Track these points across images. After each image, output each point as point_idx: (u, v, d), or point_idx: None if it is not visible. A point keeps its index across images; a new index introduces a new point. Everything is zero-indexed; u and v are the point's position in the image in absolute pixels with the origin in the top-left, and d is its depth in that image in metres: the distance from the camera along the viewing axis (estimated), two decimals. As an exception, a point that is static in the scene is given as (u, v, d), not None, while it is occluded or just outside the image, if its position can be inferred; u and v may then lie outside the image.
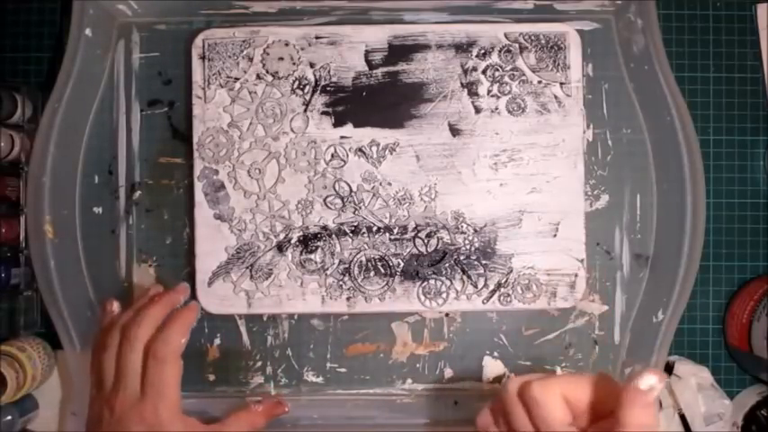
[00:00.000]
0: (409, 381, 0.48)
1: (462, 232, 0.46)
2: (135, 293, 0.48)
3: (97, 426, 0.39)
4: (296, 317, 0.48)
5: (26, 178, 0.45)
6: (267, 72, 0.46)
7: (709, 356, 0.49)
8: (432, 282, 0.45)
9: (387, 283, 0.45)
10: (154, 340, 0.39)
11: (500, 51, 0.46)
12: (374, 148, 0.46)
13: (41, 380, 0.47)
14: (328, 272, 0.45)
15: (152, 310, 0.40)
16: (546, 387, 0.31)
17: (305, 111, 0.46)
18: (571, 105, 0.46)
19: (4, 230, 0.45)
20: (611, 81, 0.48)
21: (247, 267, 0.45)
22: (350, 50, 0.46)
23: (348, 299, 0.45)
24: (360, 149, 0.46)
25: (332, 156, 0.46)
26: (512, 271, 0.46)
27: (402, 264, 0.45)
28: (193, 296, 0.46)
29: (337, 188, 0.46)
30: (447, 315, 0.48)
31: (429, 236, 0.46)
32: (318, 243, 0.46)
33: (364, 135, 0.46)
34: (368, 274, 0.46)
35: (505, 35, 0.46)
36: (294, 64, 0.46)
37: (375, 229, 0.46)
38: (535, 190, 0.46)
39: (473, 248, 0.46)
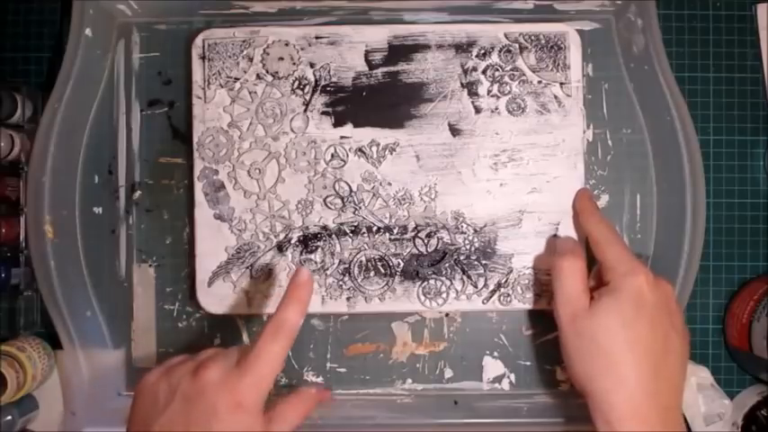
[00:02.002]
0: (409, 381, 0.48)
1: (462, 232, 0.46)
2: (135, 293, 0.48)
3: (160, 401, 0.34)
4: (296, 317, 0.48)
5: (26, 178, 0.45)
6: (267, 72, 0.46)
7: (709, 356, 0.49)
8: (432, 282, 0.45)
9: (387, 283, 0.45)
10: (273, 317, 0.35)
11: (500, 51, 0.46)
12: (374, 148, 0.46)
13: (41, 380, 0.47)
14: (328, 272, 0.45)
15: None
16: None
17: (305, 111, 0.46)
18: (571, 105, 0.46)
19: (4, 230, 0.45)
20: (611, 81, 0.48)
21: (247, 267, 0.45)
22: (350, 50, 0.46)
23: (348, 299, 0.45)
24: (360, 149, 0.46)
25: (332, 156, 0.46)
26: (512, 271, 0.46)
27: (402, 264, 0.45)
28: (193, 296, 0.46)
29: (337, 188, 0.46)
30: (447, 315, 0.48)
31: (429, 236, 0.46)
32: (318, 243, 0.46)
33: (364, 135, 0.46)
34: (368, 274, 0.46)
35: (505, 35, 0.46)
36: (294, 64, 0.46)
37: (375, 229, 0.46)
38: (535, 190, 0.46)
39: (473, 248, 0.46)
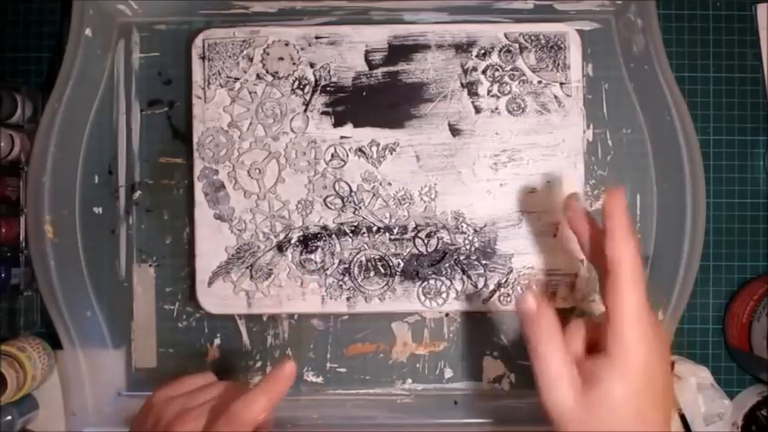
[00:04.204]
0: (409, 381, 0.48)
1: (462, 232, 0.46)
2: (134, 293, 0.48)
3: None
4: (296, 317, 0.48)
5: (26, 178, 0.45)
6: (267, 72, 0.46)
7: (709, 356, 0.49)
8: (432, 282, 0.45)
9: (387, 283, 0.45)
10: (236, 403, 0.34)
11: (500, 51, 0.46)
12: (374, 148, 0.46)
13: (41, 380, 0.47)
14: (328, 272, 0.45)
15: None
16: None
17: (305, 111, 0.46)
18: (571, 105, 0.46)
19: (4, 230, 0.45)
20: (611, 81, 0.48)
21: (247, 267, 0.45)
22: (350, 50, 0.46)
23: (348, 299, 0.45)
24: (360, 149, 0.46)
25: (332, 156, 0.46)
26: (512, 271, 0.46)
27: (402, 264, 0.45)
28: (193, 296, 0.46)
29: (337, 188, 0.46)
30: (447, 315, 0.48)
31: (429, 236, 0.46)
32: (318, 243, 0.46)
33: (364, 135, 0.46)
34: (368, 274, 0.46)
35: (505, 35, 0.46)
36: (294, 64, 0.46)
37: (375, 229, 0.46)
38: (535, 190, 0.46)
39: (473, 248, 0.46)
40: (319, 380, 0.48)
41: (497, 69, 0.46)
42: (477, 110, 0.46)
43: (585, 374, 0.33)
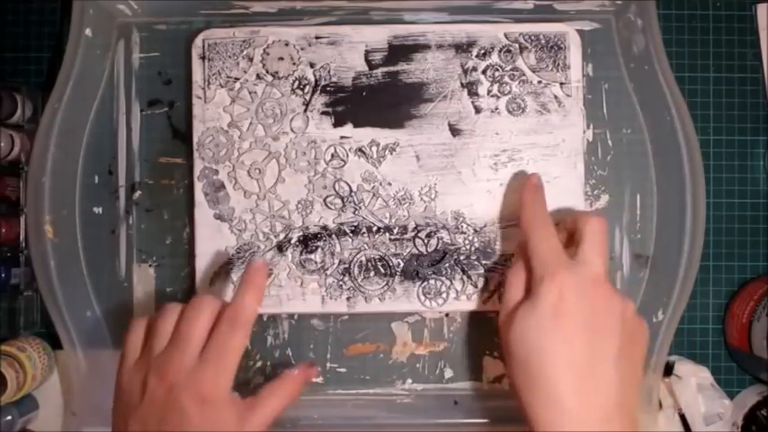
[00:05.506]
0: (409, 381, 0.48)
1: (462, 232, 0.46)
2: (135, 293, 0.48)
3: (136, 396, 0.36)
4: (296, 317, 0.48)
5: (26, 178, 0.45)
6: (267, 72, 0.46)
7: (709, 356, 0.49)
8: (432, 282, 0.45)
9: (387, 283, 0.45)
10: (230, 306, 0.37)
11: (500, 51, 0.46)
12: (374, 148, 0.46)
13: (41, 380, 0.47)
14: (328, 272, 0.46)
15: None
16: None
17: (305, 111, 0.46)
18: (571, 105, 0.46)
19: (4, 230, 0.45)
20: (611, 81, 0.48)
21: (247, 267, 0.45)
22: (350, 50, 0.46)
23: (348, 299, 0.45)
24: (360, 149, 0.46)
25: (332, 156, 0.46)
26: (512, 271, 0.46)
27: (402, 264, 0.45)
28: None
29: (337, 188, 0.46)
30: (447, 315, 0.48)
31: (429, 236, 0.46)
32: (318, 243, 0.46)
33: (364, 135, 0.46)
34: (368, 274, 0.46)
35: (505, 35, 0.46)
36: (294, 64, 0.46)
37: (375, 229, 0.46)
38: (535, 190, 0.46)
39: (473, 248, 0.46)
40: (319, 380, 0.48)
41: (497, 69, 0.46)
42: (477, 110, 0.46)
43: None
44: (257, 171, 0.46)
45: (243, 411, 0.36)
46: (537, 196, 0.41)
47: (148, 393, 0.35)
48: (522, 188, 0.42)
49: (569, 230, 0.41)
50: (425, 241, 0.46)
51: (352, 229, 0.46)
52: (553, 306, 0.36)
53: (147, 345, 0.37)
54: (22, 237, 0.46)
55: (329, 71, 0.46)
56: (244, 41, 0.46)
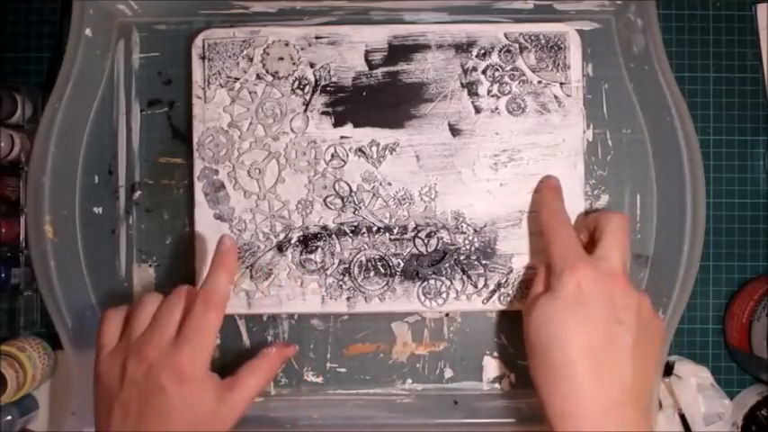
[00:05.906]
0: (409, 381, 0.48)
1: (462, 232, 0.46)
2: (135, 293, 0.48)
3: (116, 381, 0.36)
4: (296, 317, 0.48)
5: (26, 178, 0.45)
6: (267, 72, 0.46)
7: (709, 356, 0.49)
8: (432, 282, 0.45)
9: (387, 283, 0.45)
10: (203, 287, 0.38)
11: (500, 51, 0.46)
12: (374, 148, 0.46)
13: (41, 380, 0.47)
14: (328, 272, 0.45)
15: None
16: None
17: (305, 111, 0.46)
18: (571, 105, 0.46)
19: (4, 230, 0.45)
20: (611, 81, 0.48)
21: (247, 267, 0.45)
22: (350, 50, 0.46)
23: (348, 299, 0.45)
24: (360, 149, 0.46)
25: (332, 156, 0.46)
26: (512, 271, 0.46)
27: (402, 264, 0.45)
28: (193, 296, 0.46)
29: (337, 188, 0.46)
30: (447, 315, 0.48)
31: (429, 236, 0.46)
32: (318, 243, 0.46)
33: (364, 135, 0.46)
34: (368, 274, 0.46)
35: (505, 35, 0.46)
36: (294, 64, 0.46)
37: (375, 229, 0.46)
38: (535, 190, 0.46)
39: (473, 248, 0.46)
40: (319, 380, 0.48)
41: (497, 69, 0.46)
42: (477, 110, 0.46)
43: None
44: (257, 171, 0.46)
45: (221, 390, 0.37)
46: (556, 196, 0.44)
47: (128, 376, 0.36)
48: (541, 188, 0.45)
49: (590, 230, 0.43)
50: (425, 241, 0.46)
51: (352, 229, 0.46)
52: (572, 296, 0.37)
53: (125, 332, 0.38)
54: (22, 237, 0.46)
55: (329, 71, 0.46)
56: (244, 41, 0.46)
